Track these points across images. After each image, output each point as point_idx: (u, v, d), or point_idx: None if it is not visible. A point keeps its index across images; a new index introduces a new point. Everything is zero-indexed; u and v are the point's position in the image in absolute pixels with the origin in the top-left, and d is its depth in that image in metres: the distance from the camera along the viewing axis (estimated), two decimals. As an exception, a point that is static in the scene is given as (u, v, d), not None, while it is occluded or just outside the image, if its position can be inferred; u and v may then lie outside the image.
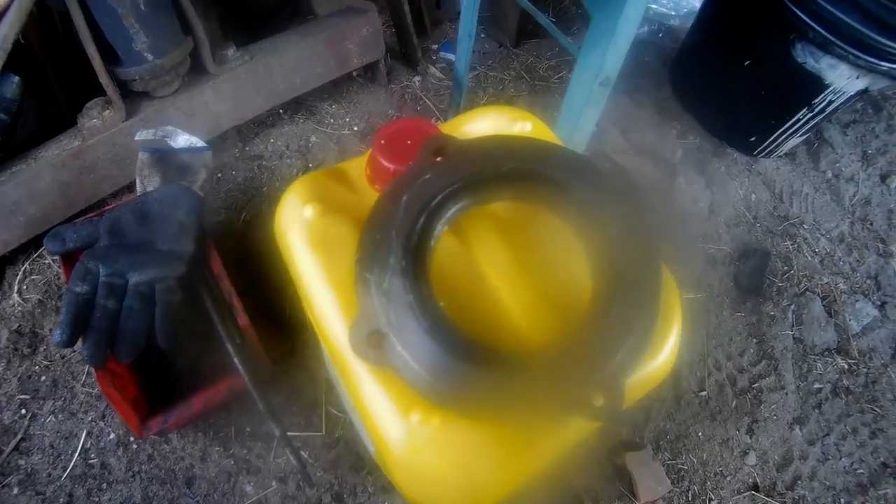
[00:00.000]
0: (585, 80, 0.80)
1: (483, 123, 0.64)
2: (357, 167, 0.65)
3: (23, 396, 0.91)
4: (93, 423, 0.92)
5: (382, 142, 0.58)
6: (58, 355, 0.95)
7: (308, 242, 0.55)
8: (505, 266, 0.52)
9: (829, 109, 1.25)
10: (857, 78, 1.16)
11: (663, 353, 0.53)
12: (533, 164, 0.51)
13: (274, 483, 0.89)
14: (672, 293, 0.56)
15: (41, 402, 0.91)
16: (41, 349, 0.95)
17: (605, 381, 0.44)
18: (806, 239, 1.31)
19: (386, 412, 0.47)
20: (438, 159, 0.52)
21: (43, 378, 0.93)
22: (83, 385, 0.94)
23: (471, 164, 0.51)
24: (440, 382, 0.44)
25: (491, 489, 0.48)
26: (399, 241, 0.47)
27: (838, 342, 1.22)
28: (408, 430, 0.46)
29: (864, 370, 1.20)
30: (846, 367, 1.20)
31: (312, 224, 0.56)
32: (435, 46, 1.41)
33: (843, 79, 1.16)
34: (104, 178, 1.01)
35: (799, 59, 1.16)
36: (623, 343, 0.45)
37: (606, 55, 0.75)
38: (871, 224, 1.39)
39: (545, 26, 0.93)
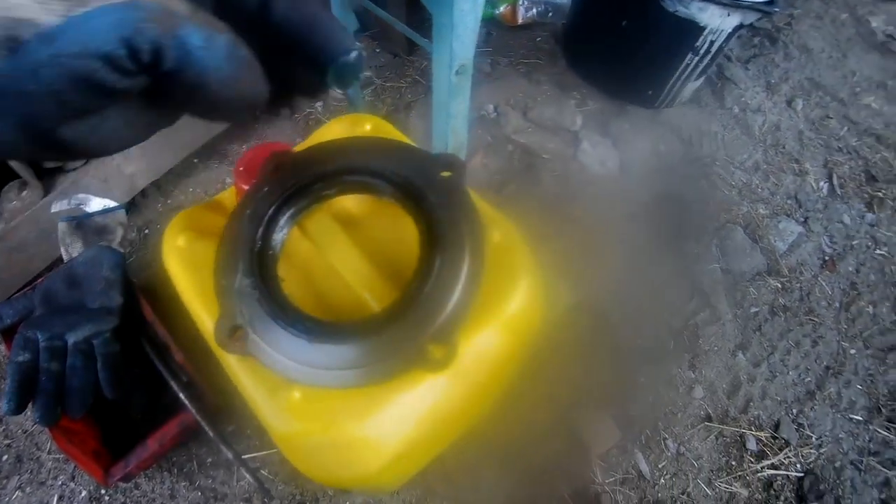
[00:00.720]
0: (443, 72, 0.85)
1: (333, 134, 0.70)
2: (230, 196, 0.71)
3: (-18, 480, 0.95)
4: (63, 486, 0.96)
5: (241, 168, 0.64)
6: (19, 431, 1.00)
7: (181, 266, 0.61)
8: (345, 252, 0.57)
9: (714, 49, 1.30)
10: (729, 15, 1.22)
11: (516, 298, 0.57)
12: (354, 159, 0.57)
13: (241, 505, 0.94)
14: (519, 247, 0.61)
15: (4, 482, 0.95)
16: (0, 430, 1.00)
17: (439, 333, 0.49)
18: (720, 175, 1.36)
19: (259, 396, 0.52)
20: (276, 174, 0.58)
21: (5, 457, 0.97)
22: (49, 453, 0.99)
23: (301, 171, 0.57)
24: (293, 361, 0.49)
25: (368, 449, 0.52)
26: (245, 249, 0.53)
27: (767, 264, 1.26)
28: (277, 407, 0.51)
29: (798, 285, 1.25)
30: (779, 286, 1.24)
31: (184, 250, 0.62)
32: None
33: (715, 18, 1.22)
34: (35, 255, 1.06)
35: (670, 9, 1.23)
36: (448, 297, 0.50)
37: (454, 46, 0.81)
38: (784, 147, 1.45)
39: (388, 21, 0.99)
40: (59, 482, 0.96)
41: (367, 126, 0.68)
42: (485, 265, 0.52)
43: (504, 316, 0.55)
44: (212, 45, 0.29)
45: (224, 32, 0.30)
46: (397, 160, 0.57)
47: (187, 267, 0.61)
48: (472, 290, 0.51)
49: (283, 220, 0.56)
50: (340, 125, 0.71)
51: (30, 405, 0.76)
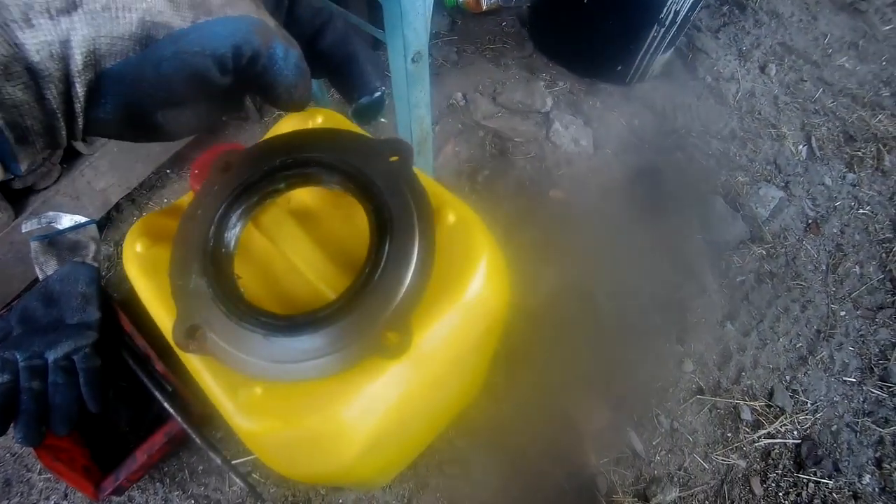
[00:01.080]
0: (398, 61, 0.84)
1: (286, 130, 0.69)
2: (188, 200, 0.70)
3: (-28, 508, 0.95)
4: (56, 505, 0.96)
5: (196, 171, 0.63)
6: (7, 455, 1.00)
7: (139, 272, 0.61)
8: (300, 244, 0.56)
9: (679, 19, 1.29)
10: (690, -16, 1.21)
11: (475, 280, 0.56)
12: (301, 152, 0.56)
13: (234, 511, 0.94)
14: (475, 228, 0.60)
15: (-6, 507, 0.95)
16: (-13, 454, 0.99)
17: (393, 319, 0.48)
18: (697, 146, 1.36)
19: (220, 394, 0.52)
20: (227, 171, 0.57)
21: (-7, 482, 0.97)
22: (39, 473, 0.98)
23: (250, 167, 0.56)
24: (252, 357, 0.49)
25: (335, 442, 0.52)
26: (198, 249, 0.53)
27: (751, 231, 1.25)
28: (239, 405, 0.50)
29: (783, 251, 1.24)
30: (764, 252, 1.24)
31: (142, 256, 0.61)
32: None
33: (677, -11, 1.22)
34: (12, 277, 1.06)
35: (630, -17, 1.22)
36: (400, 283, 0.49)
37: (406, 34, 0.80)
38: (760, 114, 1.44)
39: (344, 17, 0.98)
40: (52, 502, 0.96)
41: (319, 119, 0.67)
42: (435, 248, 0.52)
43: (463, 298, 0.54)
44: (287, 57, 0.38)
45: (296, 48, 0.39)
46: (344, 149, 0.56)
47: (146, 272, 0.60)
48: (425, 274, 0.50)
49: (234, 218, 0.55)
50: (293, 120, 0.70)
51: (12, 426, 0.76)
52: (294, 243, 0.57)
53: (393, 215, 0.52)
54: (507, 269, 0.61)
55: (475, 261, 0.56)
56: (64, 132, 0.33)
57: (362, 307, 0.48)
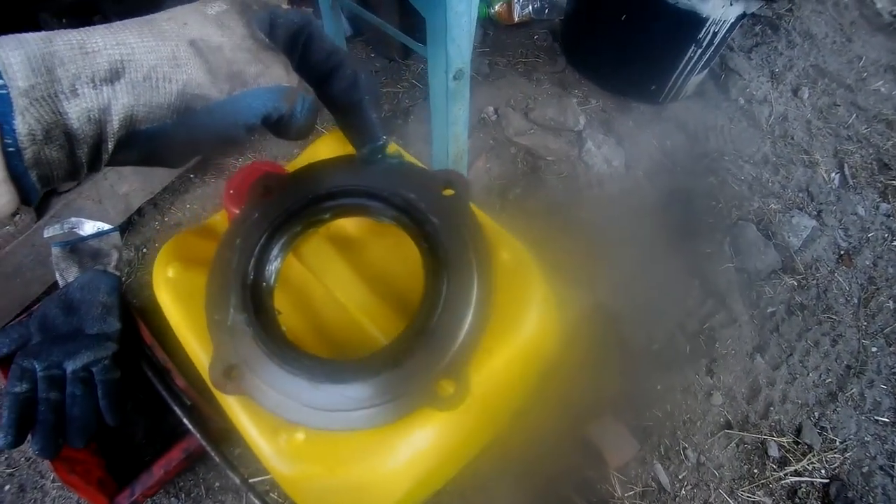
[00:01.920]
0: (439, 77, 0.82)
1: (326, 150, 0.66)
2: (221, 219, 0.68)
3: (-14, 513, 0.93)
4: (68, 515, 0.94)
5: (231, 191, 0.61)
6: (22, 459, 0.98)
7: (172, 298, 0.58)
8: (344, 279, 0.54)
9: (717, 41, 1.27)
10: (731, 4, 1.18)
11: (528, 324, 0.54)
12: (348, 179, 0.54)
13: (250, 531, 0.91)
14: (529, 269, 0.57)
15: (7, 512, 0.93)
16: (1, 459, 0.97)
17: (450, 368, 0.45)
18: (729, 170, 1.33)
19: (258, 437, 0.49)
20: (266, 197, 0.55)
21: (7, 487, 0.95)
22: (53, 481, 0.96)
23: (293, 194, 0.54)
24: (293, 402, 0.46)
25: (378, 489, 0.49)
26: (237, 282, 0.50)
27: (782, 261, 1.23)
28: (279, 450, 0.48)
29: (814, 282, 1.21)
30: (795, 283, 1.21)
31: (175, 281, 0.59)
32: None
33: (717, 9, 1.19)
34: (32, 280, 1.04)
35: (671, 0, 1.19)
36: (458, 328, 0.46)
37: (449, 50, 0.78)
38: (793, 138, 1.41)
39: (380, 27, 0.96)
40: (64, 512, 0.94)
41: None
42: (494, 290, 0.49)
43: (516, 341, 0.52)
44: (304, 104, 0.42)
45: (311, 95, 0.43)
46: (394, 179, 0.54)
47: (178, 298, 0.58)
48: (483, 319, 0.48)
49: (276, 249, 0.53)
50: (332, 139, 0.67)
51: (29, 436, 0.74)
52: (337, 277, 0.55)
53: (449, 255, 0.49)
54: (557, 310, 0.58)
55: (530, 302, 0.54)
56: (84, 173, 0.35)
57: (417, 355, 0.45)
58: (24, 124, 0.28)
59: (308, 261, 0.56)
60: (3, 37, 0.29)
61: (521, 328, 0.52)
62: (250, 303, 0.49)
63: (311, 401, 0.45)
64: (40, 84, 0.28)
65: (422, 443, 0.48)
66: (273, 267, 0.52)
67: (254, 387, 0.47)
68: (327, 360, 0.46)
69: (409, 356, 0.45)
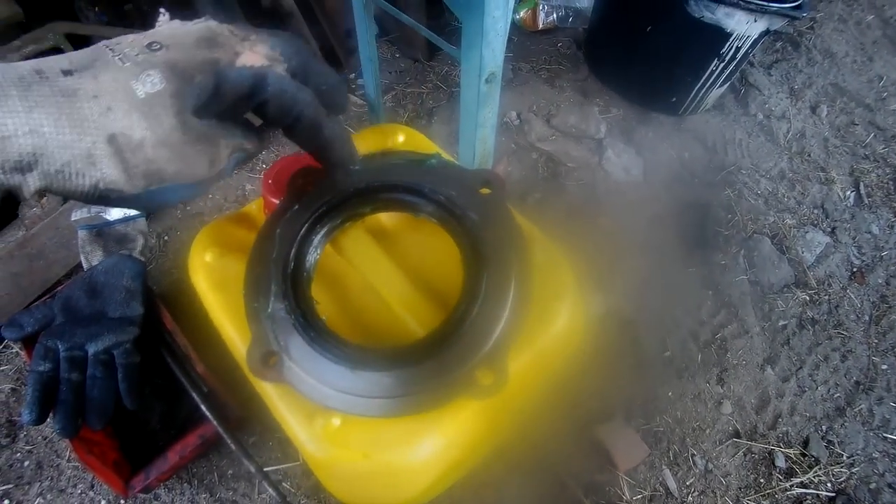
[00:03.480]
0: (472, 80, 0.83)
1: (365, 145, 0.68)
2: (257, 208, 0.69)
3: (6, 486, 0.94)
4: (83, 494, 0.95)
5: (270, 181, 0.62)
6: (40, 437, 0.99)
7: (209, 283, 0.59)
8: (383, 270, 0.55)
9: (739, 56, 1.28)
10: (756, 21, 1.20)
11: (560, 320, 0.55)
12: (388, 174, 0.55)
13: (262, 519, 0.92)
14: (561, 267, 0.59)
15: (26, 488, 0.94)
16: (21, 435, 0.98)
17: (488, 359, 0.47)
18: (746, 183, 1.34)
19: (295, 422, 0.50)
20: (306, 189, 0.56)
21: (27, 463, 0.96)
22: (68, 461, 0.98)
23: (332, 188, 0.55)
24: (333, 389, 0.47)
25: (409, 475, 0.51)
26: (277, 271, 0.51)
27: (795, 276, 1.24)
28: (315, 435, 0.49)
29: (826, 297, 1.22)
30: (807, 298, 1.22)
31: (212, 267, 0.61)
32: (352, 75, 1.45)
33: (742, 24, 1.20)
34: (55, 262, 1.05)
35: (696, 14, 1.20)
36: (497, 321, 0.48)
37: (483, 53, 0.79)
38: (810, 155, 1.42)
39: (411, 26, 0.97)
40: (79, 490, 0.95)
41: (400, 137, 0.66)
42: (531, 287, 0.51)
43: (548, 337, 0.54)
44: (232, 164, 0.40)
45: (244, 153, 0.40)
46: (433, 176, 0.55)
47: (215, 284, 0.59)
48: (521, 313, 0.49)
49: (316, 240, 0.54)
50: (372, 136, 0.69)
51: (50, 415, 0.75)
52: (375, 268, 0.56)
53: (489, 250, 0.50)
54: (586, 309, 0.59)
55: (562, 301, 0.55)
56: None
57: (456, 345, 0.47)
58: None
59: (347, 252, 0.57)
60: None
61: (553, 324, 0.54)
62: (290, 291, 0.50)
63: (350, 388, 0.47)
64: None
65: (454, 432, 0.50)
66: (313, 257, 0.54)
67: (291, 374, 0.48)
68: (367, 348, 0.48)
69: (448, 346, 0.46)
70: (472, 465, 0.73)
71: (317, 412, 0.49)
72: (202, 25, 0.37)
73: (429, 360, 0.46)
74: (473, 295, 0.48)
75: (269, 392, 0.52)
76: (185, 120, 0.34)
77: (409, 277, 0.55)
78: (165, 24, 0.38)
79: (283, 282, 0.50)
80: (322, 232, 0.54)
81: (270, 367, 0.49)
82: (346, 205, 0.55)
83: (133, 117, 0.32)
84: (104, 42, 0.34)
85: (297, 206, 0.55)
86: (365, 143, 0.67)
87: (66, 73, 0.31)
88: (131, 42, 0.34)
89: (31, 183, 0.31)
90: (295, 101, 0.39)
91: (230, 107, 0.37)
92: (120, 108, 0.32)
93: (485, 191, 0.55)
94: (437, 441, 0.49)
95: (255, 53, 0.37)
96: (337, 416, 0.49)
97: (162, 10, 0.41)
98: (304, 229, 0.53)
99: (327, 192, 0.55)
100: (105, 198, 0.33)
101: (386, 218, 0.62)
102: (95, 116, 0.31)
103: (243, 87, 0.36)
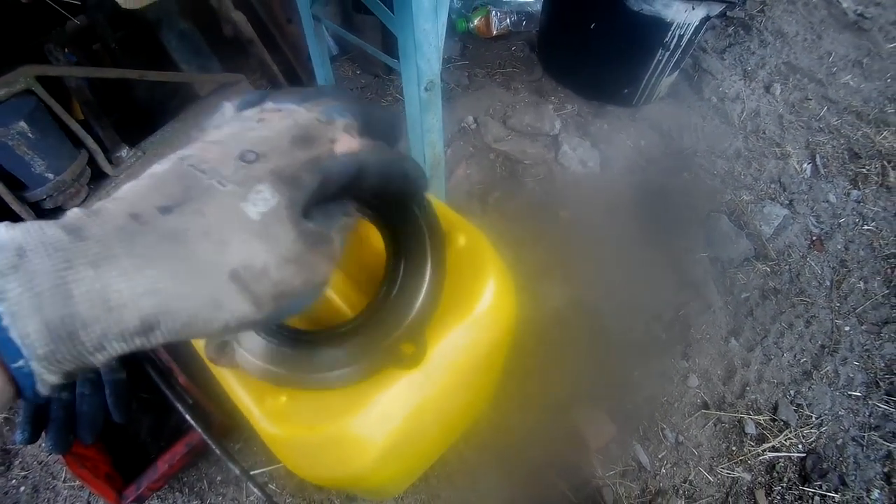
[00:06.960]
0: (412, 89, 0.89)
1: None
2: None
3: (3, 512, 0.99)
4: (80, 512, 1.00)
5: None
6: (35, 462, 1.04)
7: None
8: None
9: (684, 43, 1.33)
10: (694, 9, 1.25)
11: (482, 299, 0.60)
12: None
13: (251, 520, 0.97)
14: (485, 251, 0.63)
15: (23, 511, 0.99)
16: (16, 462, 1.03)
17: (408, 331, 0.52)
18: (702, 165, 1.39)
19: (249, 402, 0.56)
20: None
21: (22, 489, 1.01)
22: (64, 481, 1.02)
23: None
24: (276, 368, 0.52)
25: (355, 446, 0.55)
26: None
27: (755, 249, 1.28)
28: (265, 412, 0.54)
29: (787, 267, 1.26)
30: (768, 269, 1.26)
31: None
32: (314, 95, 1.49)
33: (680, 14, 1.26)
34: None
35: (635, 8, 1.26)
36: (414, 300, 0.53)
37: (419, 65, 0.85)
38: (765, 133, 1.47)
39: (359, 45, 1.03)
40: (76, 509, 1.00)
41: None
42: (446, 269, 0.55)
43: (473, 314, 0.58)
44: None
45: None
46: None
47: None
48: (437, 292, 0.54)
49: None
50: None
51: (43, 434, 0.80)
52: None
53: (407, 239, 0.56)
54: (514, 289, 0.64)
55: (484, 280, 0.60)
56: None
57: (380, 322, 0.52)
58: (43, 385, 0.25)
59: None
60: (15, 290, 0.23)
61: (477, 302, 0.58)
62: None
63: (291, 366, 0.52)
64: (62, 349, 0.25)
65: (389, 402, 0.54)
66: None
67: (243, 359, 0.53)
68: (304, 331, 0.53)
69: (374, 324, 0.51)
70: (429, 447, 0.77)
71: (266, 391, 0.54)
72: (291, 122, 0.33)
73: (358, 337, 0.51)
74: (393, 279, 0.54)
75: (226, 377, 0.57)
76: (301, 228, 0.31)
77: (341, 267, 0.60)
78: (231, 115, 0.36)
79: None
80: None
81: (225, 355, 0.54)
82: None
83: (252, 245, 0.29)
84: (179, 157, 0.31)
85: None
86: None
87: (165, 210, 0.28)
88: (218, 157, 0.30)
89: (154, 341, 0.28)
90: (394, 169, 0.37)
91: (333, 196, 0.35)
92: (236, 239, 0.28)
93: (408, 184, 0.60)
94: (375, 411, 0.54)
95: (350, 137, 0.34)
96: (283, 394, 0.54)
97: (227, 102, 0.37)
98: None
99: None
100: (231, 331, 0.30)
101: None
102: (212, 256, 0.27)
103: (348, 177, 0.34)
